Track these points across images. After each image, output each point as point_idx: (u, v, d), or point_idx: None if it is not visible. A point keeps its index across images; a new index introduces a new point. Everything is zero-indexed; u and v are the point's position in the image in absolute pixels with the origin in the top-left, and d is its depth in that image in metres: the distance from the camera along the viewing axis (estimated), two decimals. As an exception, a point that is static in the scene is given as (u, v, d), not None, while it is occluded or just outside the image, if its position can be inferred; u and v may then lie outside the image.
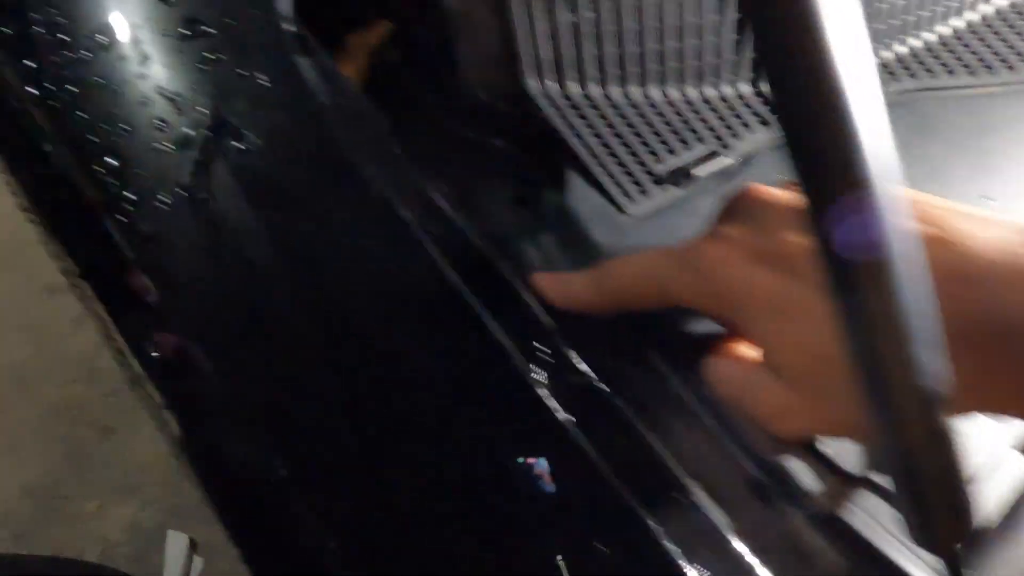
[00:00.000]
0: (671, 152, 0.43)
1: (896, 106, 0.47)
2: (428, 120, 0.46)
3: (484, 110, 0.44)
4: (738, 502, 0.35)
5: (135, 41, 0.41)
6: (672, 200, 0.42)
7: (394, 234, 0.35)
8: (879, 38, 0.48)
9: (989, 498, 0.35)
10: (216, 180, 0.36)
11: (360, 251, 0.35)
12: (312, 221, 0.35)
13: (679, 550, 0.29)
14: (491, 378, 0.33)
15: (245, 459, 0.34)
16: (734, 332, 0.35)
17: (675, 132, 0.43)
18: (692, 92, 0.45)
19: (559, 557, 0.29)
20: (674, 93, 0.44)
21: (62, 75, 0.40)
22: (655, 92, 0.44)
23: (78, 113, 0.39)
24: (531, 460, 0.30)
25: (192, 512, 1.45)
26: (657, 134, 0.43)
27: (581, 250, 0.41)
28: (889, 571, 0.32)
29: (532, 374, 0.32)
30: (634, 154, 0.42)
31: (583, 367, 0.33)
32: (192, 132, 0.37)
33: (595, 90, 0.43)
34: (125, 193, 0.37)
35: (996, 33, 0.50)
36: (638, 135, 0.43)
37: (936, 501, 0.25)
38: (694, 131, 0.44)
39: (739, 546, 0.32)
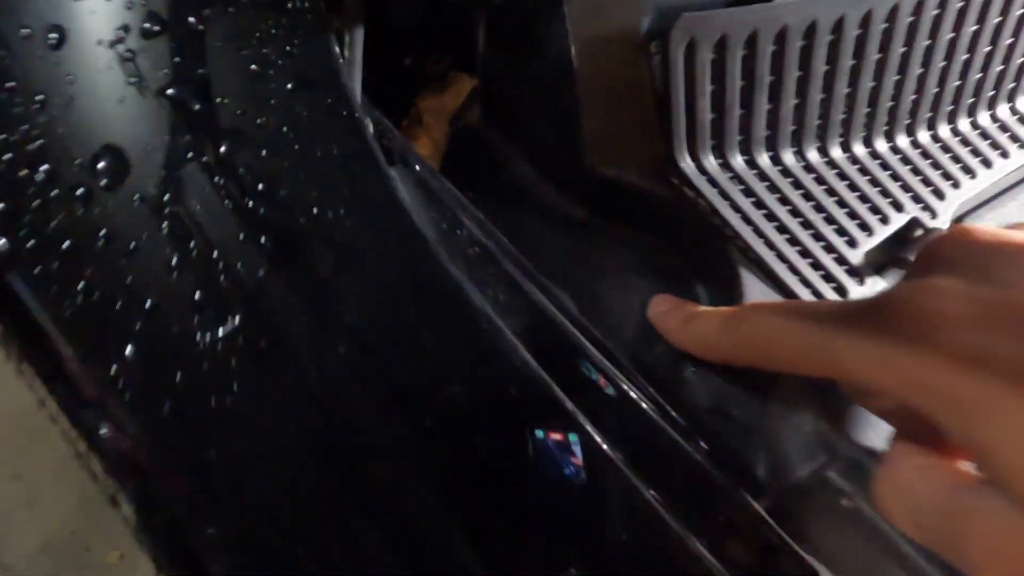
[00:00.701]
0: (866, 230, 0.33)
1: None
2: (532, 202, 0.36)
3: (622, 191, 0.34)
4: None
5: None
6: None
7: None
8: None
9: None
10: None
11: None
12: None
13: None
14: None
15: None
16: (933, 429, 0.23)
17: (866, 200, 0.33)
18: (881, 145, 0.34)
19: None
20: (859, 149, 0.34)
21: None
22: (836, 151, 0.34)
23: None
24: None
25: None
26: (845, 206, 0.33)
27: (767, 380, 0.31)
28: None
29: None
30: (820, 238, 0.32)
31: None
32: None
33: (763, 158, 0.33)
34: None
35: None
36: (822, 211, 0.32)
37: None
38: (891, 197, 0.34)
39: None
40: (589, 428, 0.23)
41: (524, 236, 0.33)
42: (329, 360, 0.23)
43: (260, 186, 0.25)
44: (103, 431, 0.25)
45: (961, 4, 0.33)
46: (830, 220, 0.32)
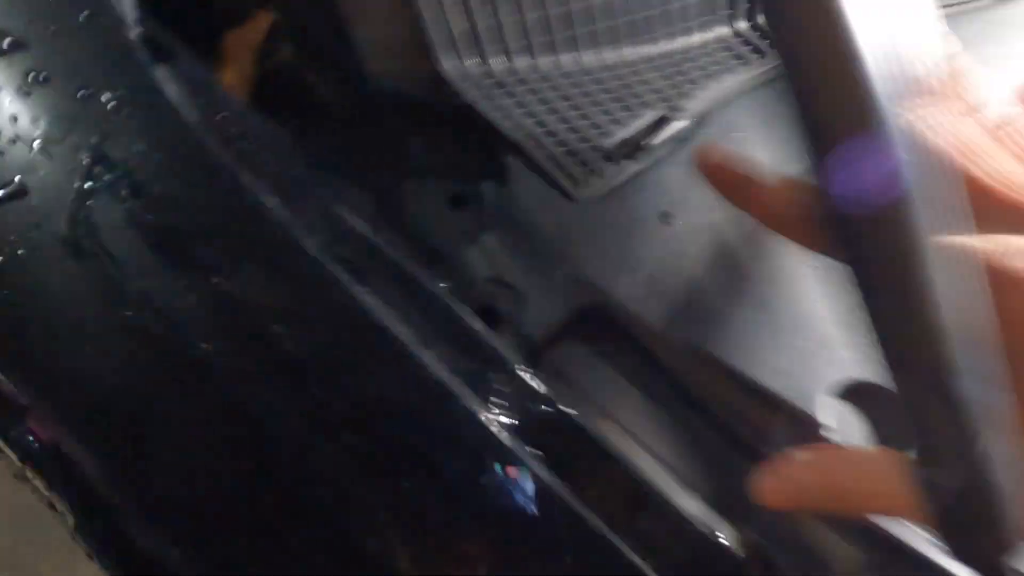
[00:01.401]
0: (616, 123, 0.37)
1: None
2: (336, 123, 0.40)
3: (397, 102, 0.38)
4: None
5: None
6: (626, 177, 0.36)
7: (302, 271, 0.28)
8: None
9: None
10: (66, 228, 0.29)
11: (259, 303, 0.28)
12: (198, 269, 0.28)
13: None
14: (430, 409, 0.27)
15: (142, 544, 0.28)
16: None
17: (618, 100, 0.38)
18: (630, 53, 0.40)
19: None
20: (611, 56, 0.39)
21: None
22: (589, 57, 0.39)
23: None
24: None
25: None
26: (598, 104, 0.38)
27: (530, 249, 0.35)
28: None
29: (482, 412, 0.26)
30: (575, 131, 0.37)
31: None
32: (22, 177, 0.29)
33: (522, 63, 0.37)
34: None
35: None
36: (577, 108, 0.37)
37: (975, 512, 0.20)
38: (638, 96, 0.39)
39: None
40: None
41: (323, 150, 0.37)
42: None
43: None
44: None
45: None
46: (585, 116, 0.37)
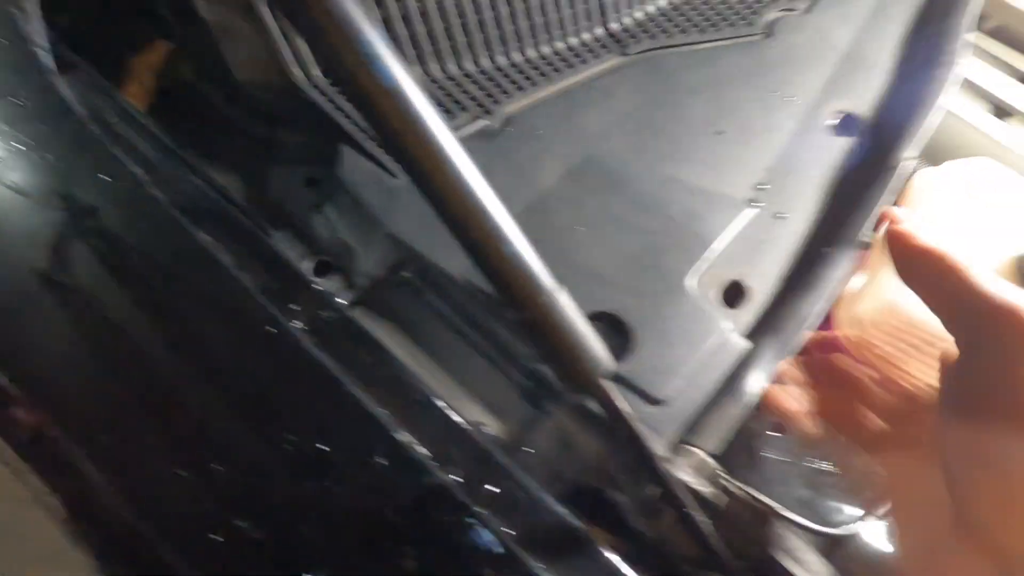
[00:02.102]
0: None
1: (640, 63, 0.54)
2: (222, 125, 0.49)
3: (266, 107, 0.48)
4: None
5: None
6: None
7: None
8: (620, 7, 0.55)
9: (711, 376, 0.41)
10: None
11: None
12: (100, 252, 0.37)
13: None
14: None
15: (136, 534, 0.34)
16: None
17: (439, 104, 0.48)
18: (453, 68, 0.50)
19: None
20: (436, 70, 0.50)
21: None
22: (418, 71, 0.49)
23: None
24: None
25: None
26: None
27: (362, 216, 0.45)
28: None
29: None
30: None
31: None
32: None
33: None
34: None
35: (718, -3, 0.58)
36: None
37: (564, 342, 0.29)
38: (458, 102, 0.49)
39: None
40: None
41: (211, 149, 0.47)
42: None
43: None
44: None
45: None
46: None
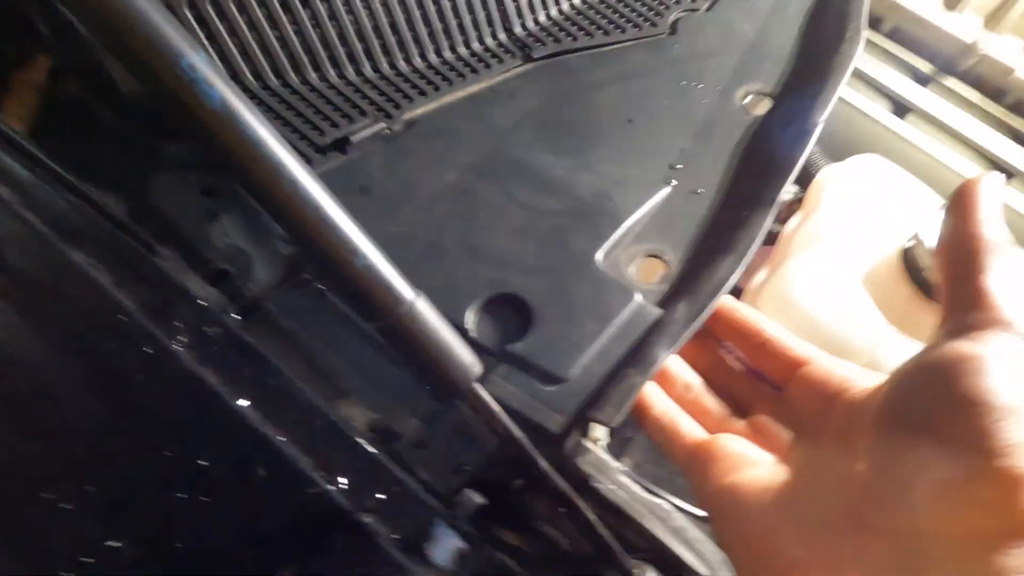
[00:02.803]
0: (335, 127, 0.47)
1: (549, 66, 0.55)
2: (113, 140, 0.48)
3: (156, 119, 0.46)
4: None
5: None
6: (337, 166, 0.46)
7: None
8: (523, 13, 0.56)
9: (620, 348, 0.41)
10: None
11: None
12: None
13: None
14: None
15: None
16: None
17: (338, 110, 0.48)
18: (351, 74, 0.50)
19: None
20: (334, 76, 0.49)
21: None
22: (314, 77, 0.49)
23: None
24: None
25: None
26: (320, 113, 0.47)
27: (259, 224, 0.44)
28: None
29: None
30: (297, 132, 0.46)
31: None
32: None
33: (254, 82, 0.47)
34: None
35: (622, 0, 0.59)
36: (301, 116, 0.47)
37: (428, 352, 0.29)
38: (357, 107, 0.48)
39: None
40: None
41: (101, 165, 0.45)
42: None
43: None
44: None
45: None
46: (308, 122, 0.47)
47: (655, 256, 0.45)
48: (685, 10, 0.59)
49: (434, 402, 0.40)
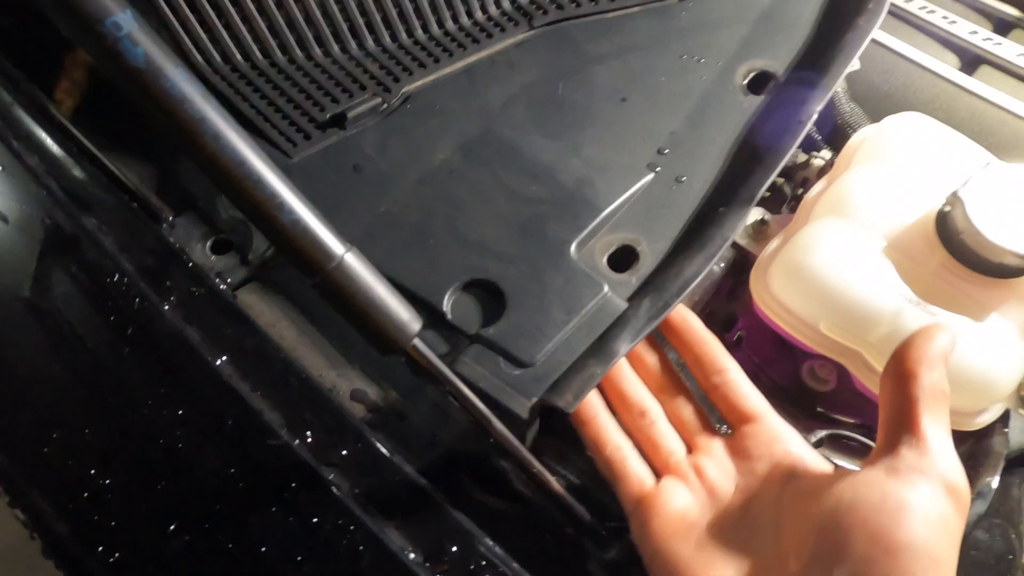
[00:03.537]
0: (335, 101, 0.49)
1: (547, 35, 0.54)
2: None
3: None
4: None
5: None
6: (333, 143, 0.48)
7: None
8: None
9: (586, 338, 0.41)
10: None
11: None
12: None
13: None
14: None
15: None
16: None
17: (339, 85, 0.50)
18: (355, 49, 0.51)
19: None
20: (337, 52, 0.51)
21: None
22: (318, 52, 0.51)
23: None
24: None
25: None
26: (322, 89, 0.49)
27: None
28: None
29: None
30: (299, 107, 0.48)
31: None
32: None
33: (262, 59, 0.50)
34: None
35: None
36: (304, 92, 0.49)
37: (363, 308, 0.30)
38: (357, 81, 0.50)
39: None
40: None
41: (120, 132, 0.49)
42: None
43: None
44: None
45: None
46: (310, 98, 0.49)
47: (630, 247, 0.45)
48: (701, -31, 0.57)
49: (415, 377, 0.42)
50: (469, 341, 0.41)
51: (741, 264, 0.55)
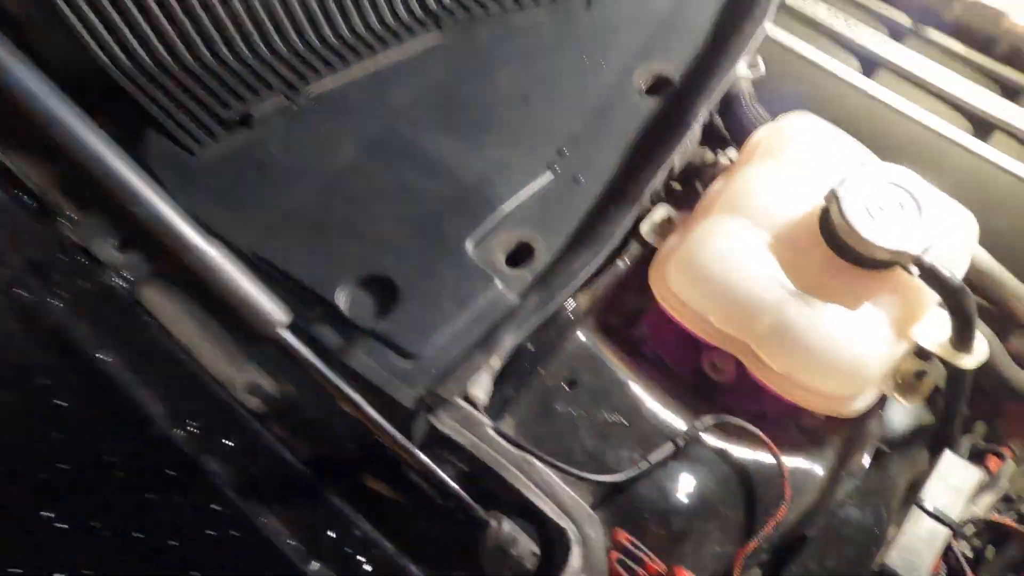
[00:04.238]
0: (242, 100, 0.50)
1: (456, 38, 0.55)
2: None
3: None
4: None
5: None
6: (240, 143, 0.49)
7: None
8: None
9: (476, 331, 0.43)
10: None
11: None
12: None
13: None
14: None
15: None
16: None
17: (247, 84, 0.51)
18: (263, 49, 0.52)
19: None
20: (245, 51, 0.52)
21: None
22: (225, 52, 0.51)
23: None
24: None
25: None
26: (227, 87, 0.50)
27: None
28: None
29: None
30: (205, 106, 0.49)
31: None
32: None
33: (167, 59, 0.50)
34: None
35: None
36: (211, 91, 0.50)
37: (226, 299, 0.31)
38: (266, 82, 0.51)
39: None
40: None
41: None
42: None
43: None
44: None
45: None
46: (215, 95, 0.49)
47: (527, 243, 0.47)
48: (606, -26, 0.59)
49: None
50: (361, 334, 0.42)
51: (648, 259, 0.57)
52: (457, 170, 0.49)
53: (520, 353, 0.46)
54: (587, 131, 0.52)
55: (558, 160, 0.50)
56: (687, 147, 0.50)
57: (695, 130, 0.50)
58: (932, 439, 0.54)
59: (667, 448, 0.46)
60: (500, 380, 0.45)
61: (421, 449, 0.39)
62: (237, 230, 0.45)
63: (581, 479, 0.44)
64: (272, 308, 0.33)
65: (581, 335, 0.49)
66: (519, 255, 0.47)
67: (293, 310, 0.43)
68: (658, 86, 0.54)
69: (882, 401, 0.51)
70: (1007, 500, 0.45)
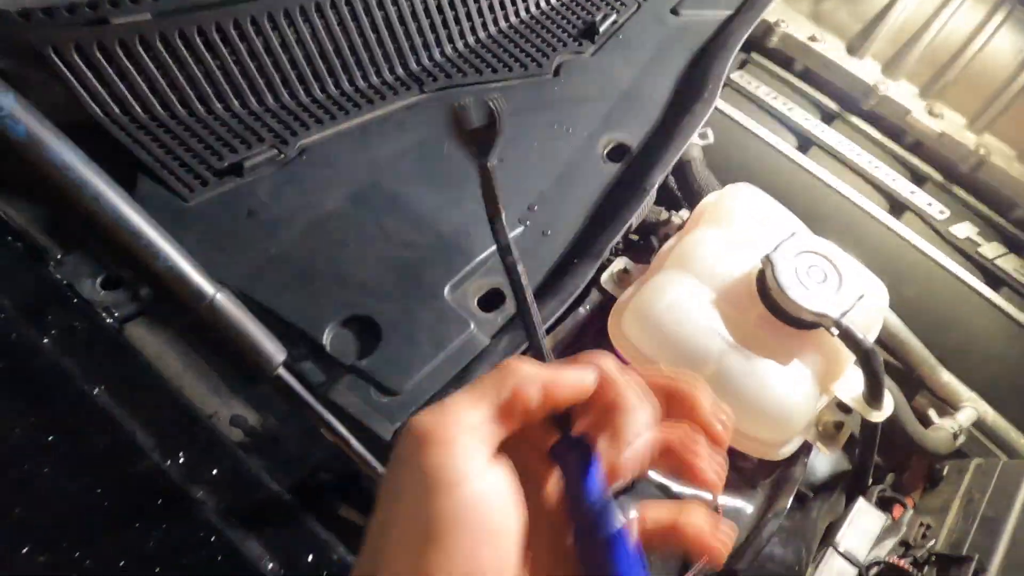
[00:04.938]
0: (233, 151, 0.53)
1: (436, 99, 0.61)
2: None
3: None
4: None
5: None
6: (230, 189, 0.52)
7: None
8: (419, 50, 0.62)
9: (451, 370, 0.47)
10: None
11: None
12: None
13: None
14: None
15: None
16: None
17: (238, 136, 0.54)
18: (255, 105, 0.56)
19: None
20: (238, 107, 0.56)
21: None
22: (219, 107, 0.55)
23: None
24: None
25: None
26: (221, 139, 0.54)
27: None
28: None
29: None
30: (197, 156, 0.52)
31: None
32: None
33: (161, 112, 0.53)
34: None
35: (513, 41, 0.65)
36: (203, 142, 0.53)
37: (234, 341, 0.35)
38: (256, 134, 0.55)
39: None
40: None
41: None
42: None
43: None
44: None
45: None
46: (208, 147, 0.53)
47: (499, 290, 0.51)
48: (572, 53, 0.65)
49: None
50: (345, 371, 0.46)
51: (607, 307, 0.62)
52: (437, 221, 0.53)
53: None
54: (555, 190, 0.57)
55: (528, 215, 0.56)
56: (644, 208, 0.56)
57: (651, 194, 0.56)
58: (847, 486, 0.60)
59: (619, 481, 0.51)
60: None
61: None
62: (226, 271, 0.48)
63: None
64: (274, 350, 0.36)
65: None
66: (491, 300, 0.52)
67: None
68: (619, 153, 0.60)
69: (807, 448, 0.57)
70: (905, 545, 0.51)
